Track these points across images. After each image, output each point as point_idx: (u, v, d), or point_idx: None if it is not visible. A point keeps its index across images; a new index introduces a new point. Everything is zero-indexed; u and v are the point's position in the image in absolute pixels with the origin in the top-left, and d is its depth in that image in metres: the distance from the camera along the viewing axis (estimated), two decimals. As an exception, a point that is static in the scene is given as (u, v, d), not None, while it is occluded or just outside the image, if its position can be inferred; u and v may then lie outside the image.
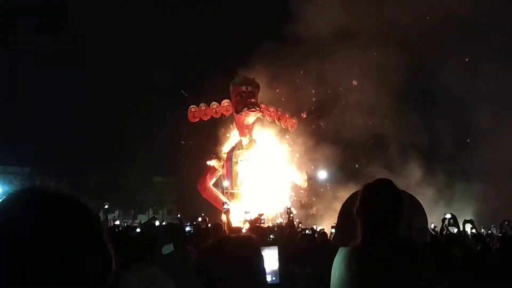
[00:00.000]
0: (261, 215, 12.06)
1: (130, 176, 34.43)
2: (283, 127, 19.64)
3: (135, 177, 34.91)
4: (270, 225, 11.49)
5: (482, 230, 13.08)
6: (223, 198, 17.27)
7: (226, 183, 18.17)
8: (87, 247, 0.91)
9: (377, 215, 2.30)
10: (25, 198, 0.93)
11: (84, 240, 0.90)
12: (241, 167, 17.91)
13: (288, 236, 8.25)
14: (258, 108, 17.67)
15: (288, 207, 14.99)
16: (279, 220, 15.62)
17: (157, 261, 3.83)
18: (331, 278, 2.35)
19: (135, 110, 31.81)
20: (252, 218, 12.50)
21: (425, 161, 22.04)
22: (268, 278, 3.14)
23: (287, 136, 19.98)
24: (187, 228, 7.66)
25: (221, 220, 13.95)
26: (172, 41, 30.91)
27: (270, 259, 3.29)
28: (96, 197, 27.02)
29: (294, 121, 19.94)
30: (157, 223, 11.33)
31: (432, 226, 9.17)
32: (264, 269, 1.89)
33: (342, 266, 2.28)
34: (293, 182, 19.18)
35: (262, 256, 1.89)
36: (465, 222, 9.16)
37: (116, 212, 34.65)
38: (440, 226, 9.00)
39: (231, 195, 17.88)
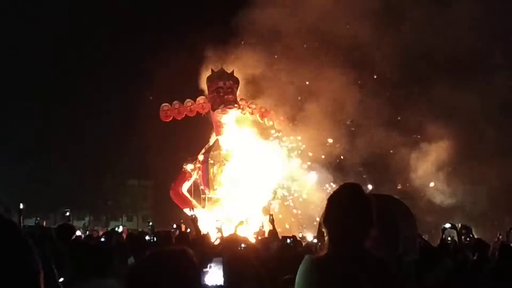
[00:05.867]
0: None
1: (102, 179, 33.57)
2: (267, 124, 19.06)
3: (107, 180, 34.08)
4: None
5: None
6: (196, 205, 16.85)
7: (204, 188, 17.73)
8: None
9: (342, 225, 2.31)
10: None
11: None
12: (218, 170, 17.46)
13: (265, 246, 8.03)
14: (236, 105, 17.28)
15: (271, 213, 14.62)
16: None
17: (116, 273, 3.89)
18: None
19: (107, 104, 30.88)
20: (223, 226, 12.24)
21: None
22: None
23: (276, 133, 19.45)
24: (147, 237, 7.38)
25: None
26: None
27: (215, 272, 3.17)
28: (62, 202, 26.29)
29: (281, 117, 19.36)
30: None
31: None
32: (200, 285, 1.90)
33: (305, 276, 2.31)
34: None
35: (197, 271, 1.87)
36: (462, 228, 8.94)
37: (86, 219, 33.99)
38: (440, 237, 8.82)
39: (209, 201, 17.46)
